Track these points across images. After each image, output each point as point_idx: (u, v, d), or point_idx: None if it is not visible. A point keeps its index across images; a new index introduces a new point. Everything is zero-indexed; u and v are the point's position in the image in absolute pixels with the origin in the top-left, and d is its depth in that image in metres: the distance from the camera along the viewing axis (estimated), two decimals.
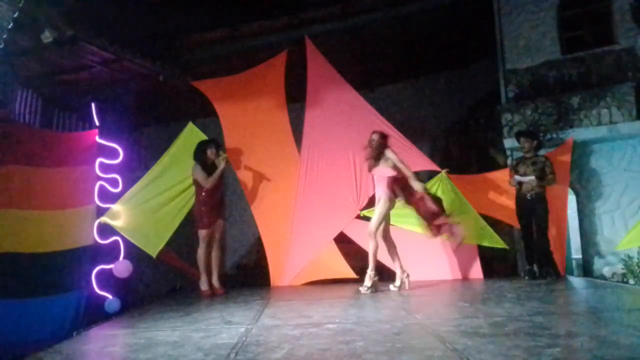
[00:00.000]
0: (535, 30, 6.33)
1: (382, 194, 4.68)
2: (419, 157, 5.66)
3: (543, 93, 6.13)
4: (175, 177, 5.43)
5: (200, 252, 5.11)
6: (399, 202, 5.35)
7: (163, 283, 5.91)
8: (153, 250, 5.15)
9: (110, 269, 5.15)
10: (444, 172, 5.58)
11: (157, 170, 5.44)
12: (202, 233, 5.11)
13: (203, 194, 5.13)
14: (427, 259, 5.48)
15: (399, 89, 8.38)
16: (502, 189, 5.55)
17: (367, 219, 5.60)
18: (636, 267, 5.39)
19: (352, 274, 5.52)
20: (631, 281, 5.36)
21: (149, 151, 6.19)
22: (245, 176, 5.79)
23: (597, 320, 3.04)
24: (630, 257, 5.45)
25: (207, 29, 6.94)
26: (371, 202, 5.68)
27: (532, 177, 5.17)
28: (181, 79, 6.43)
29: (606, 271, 5.78)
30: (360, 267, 5.65)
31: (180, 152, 5.51)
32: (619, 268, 5.56)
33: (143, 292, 5.45)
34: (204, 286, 5.09)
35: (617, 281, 5.47)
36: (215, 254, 5.20)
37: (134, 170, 5.88)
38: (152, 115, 7.39)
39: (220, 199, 5.30)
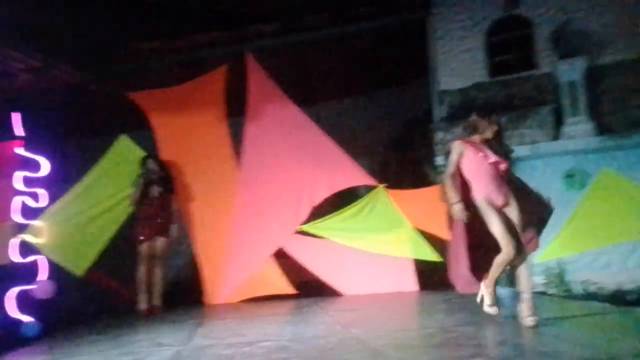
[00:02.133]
0: (465, 54, 6.69)
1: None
2: (359, 172, 5.77)
3: (473, 113, 6.46)
4: (104, 192, 5.19)
5: (139, 269, 4.92)
6: (337, 215, 5.42)
7: (90, 304, 5.57)
8: (78, 269, 4.87)
9: (31, 290, 4.79)
10: (381, 186, 5.72)
11: (85, 184, 5.18)
12: (140, 249, 4.93)
13: (139, 210, 4.98)
14: (363, 273, 5.55)
15: (340, 105, 8.53)
16: (435, 204, 5.76)
17: (307, 234, 5.61)
18: (555, 278, 5.76)
19: (290, 290, 5.48)
20: (550, 291, 5.71)
21: (77, 164, 5.86)
22: (180, 190, 5.63)
23: (521, 330, 3.20)
24: (550, 268, 5.82)
25: (144, 39, 6.74)
26: (311, 217, 5.71)
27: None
28: (115, 90, 6.19)
29: None
30: (299, 282, 5.63)
31: (111, 166, 5.29)
32: (541, 279, 5.91)
33: (67, 314, 5.11)
34: (142, 305, 4.88)
35: (538, 291, 5.81)
36: (156, 271, 5.02)
37: (60, 184, 5.55)
38: (83, 127, 7.04)
39: (160, 215, 5.13)
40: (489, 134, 3.62)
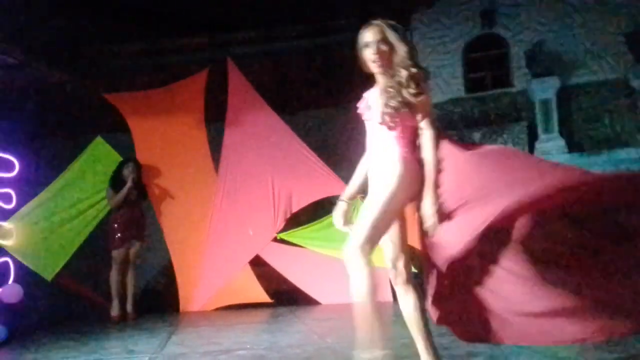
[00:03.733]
0: (443, 69, 6.85)
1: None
2: (336, 183, 5.80)
3: (449, 127, 6.61)
4: (77, 194, 5.08)
5: (113, 274, 4.84)
6: (314, 225, 5.41)
7: (59, 309, 5.42)
8: (49, 273, 4.74)
9: None
10: (359, 197, 5.76)
11: (57, 185, 5.06)
12: (114, 254, 4.84)
13: (115, 213, 4.90)
14: (339, 282, 5.56)
15: (320, 115, 8.59)
16: (414, 216, 5.85)
17: (284, 241, 5.60)
18: None
19: (266, 298, 5.45)
20: None
21: (50, 165, 5.72)
22: (156, 195, 5.56)
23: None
24: None
25: (122, 41, 6.67)
26: (288, 226, 5.70)
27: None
28: (92, 91, 6.09)
29: None
30: (274, 290, 5.61)
31: (85, 167, 5.19)
32: None
33: (35, 319, 4.96)
34: (114, 311, 4.79)
35: None
36: (130, 277, 4.94)
37: (32, 185, 5.40)
38: (57, 127, 6.89)
39: (136, 219, 5.05)
40: None
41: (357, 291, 2.06)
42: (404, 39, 2.19)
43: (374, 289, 2.07)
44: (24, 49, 5.29)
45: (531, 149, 6.21)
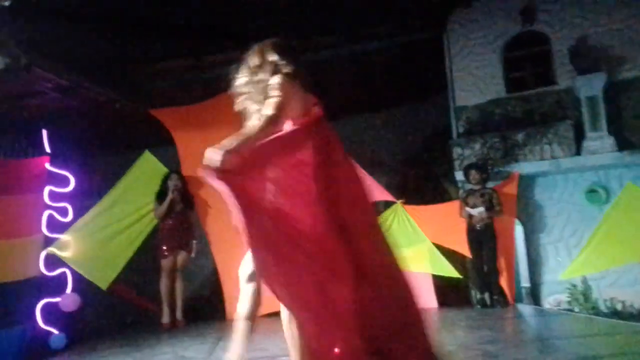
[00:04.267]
0: (482, 70, 6.73)
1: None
2: (376, 188, 5.80)
3: (490, 129, 6.47)
4: (128, 206, 5.31)
5: (162, 282, 5.02)
6: None
7: (114, 317, 5.67)
8: (103, 283, 4.97)
9: (57, 303, 4.91)
10: (399, 202, 5.75)
11: (110, 199, 5.30)
12: (163, 263, 5.04)
13: (161, 223, 5.10)
14: None
15: (358, 121, 8.61)
16: (454, 220, 5.75)
17: None
18: (580, 296, 5.66)
19: None
20: (576, 309, 5.62)
21: (102, 179, 6.02)
22: (202, 206, 5.73)
23: (543, 348, 3.17)
24: (574, 286, 5.73)
25: (168, 57, 6.94)
26: None
27: (482, 209, 5.42)
28: (139, 107, 6.37)
29: (552, 299, 6.04)
30: None
31: (134, 181, 5.42)
32: (564, 296, 5.82)
33: (92, 326, 5.21)
34: (165, 318, 4.97)
35: (563, 309, 5.71)
36: (178, 285, 5.12)
37: (85, 199, 5.70)
38: (107, 143, 7.23)
39: (182, 229, 5.23)
40: None
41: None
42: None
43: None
44: (75, 71, 5.61)
45: (578, 148, 5.99)
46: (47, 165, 5.32)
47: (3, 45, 4.64)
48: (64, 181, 5.46)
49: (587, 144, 5.94)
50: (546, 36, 6.48)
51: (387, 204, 5.89)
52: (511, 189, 5.89)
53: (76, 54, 5.89)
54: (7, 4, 4.18)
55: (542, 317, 4.80)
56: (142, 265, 5.59)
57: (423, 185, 7.49)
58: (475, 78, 6.74)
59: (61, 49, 5.69)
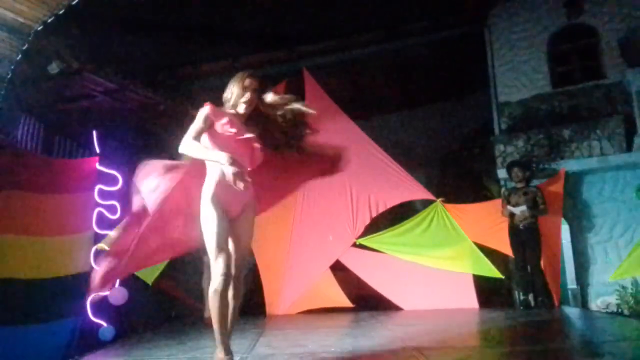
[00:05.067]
0: (526, 64, 6.53)
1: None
2: (415, 187, 5.76)
3: (535, 125, 6.28)
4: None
5: (205, 279, 5.15)
6: (394, 230, 5.37)
7: (158, 311, 5.88)
8: (150, 278, 5.16)
9: (106, 296, 5.13)
10: (439, 201, 5.67)
11: None
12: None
13: None
14: (420, 287, 5.49)
15: (396, 119, 8.56)
16: (496, 219, 5.62)
17: (363, 247, 5.65)
18: (630, 298, 5.41)
19: (347, 303, 5.52)
20: (625, 312, 5.37)
21: None
22: None
23: (591, 352, 3.06)
24: (624, 288, 5.48)
25: (207, 60, 7.14)
26: (367, 231, 5.74)
27: (524, 208, 5.26)
28: (182, 109, 6.56)
29: (601, 302, 5.80)
30: (355, 295, 5.66)
31: None
32: (614, 299, 5.58)
33: (138, 320, 5.42)
34: (207, 313, 5.10)
35: (612, 312, 5.48)
36: None
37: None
38: (153, 143, 7.50)
39: None
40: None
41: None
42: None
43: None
44: (123, 75, 5.85)
45: (629, 144, 5.72)
46: (97, 165, 5.58)
47: (57, 52, 4.90)
48: (113, 180, 5.71)
49: (639, 140, 5.66)
50: (594, 29, 6.22)
51: (426, 203, 5.82)
52: (557, 187, 5.69)
53: (123, 58, 6.15)
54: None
55: (588, 319, 4.62)
56: (187, 261, 5.76)
57: (462, 183, 7.35)
58: (518, 73, 6.56)
59: (110, 54, 5.96)
